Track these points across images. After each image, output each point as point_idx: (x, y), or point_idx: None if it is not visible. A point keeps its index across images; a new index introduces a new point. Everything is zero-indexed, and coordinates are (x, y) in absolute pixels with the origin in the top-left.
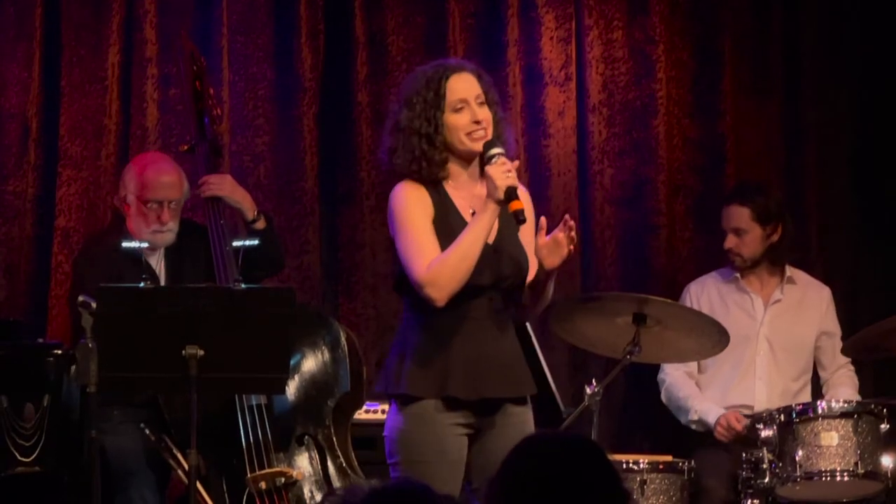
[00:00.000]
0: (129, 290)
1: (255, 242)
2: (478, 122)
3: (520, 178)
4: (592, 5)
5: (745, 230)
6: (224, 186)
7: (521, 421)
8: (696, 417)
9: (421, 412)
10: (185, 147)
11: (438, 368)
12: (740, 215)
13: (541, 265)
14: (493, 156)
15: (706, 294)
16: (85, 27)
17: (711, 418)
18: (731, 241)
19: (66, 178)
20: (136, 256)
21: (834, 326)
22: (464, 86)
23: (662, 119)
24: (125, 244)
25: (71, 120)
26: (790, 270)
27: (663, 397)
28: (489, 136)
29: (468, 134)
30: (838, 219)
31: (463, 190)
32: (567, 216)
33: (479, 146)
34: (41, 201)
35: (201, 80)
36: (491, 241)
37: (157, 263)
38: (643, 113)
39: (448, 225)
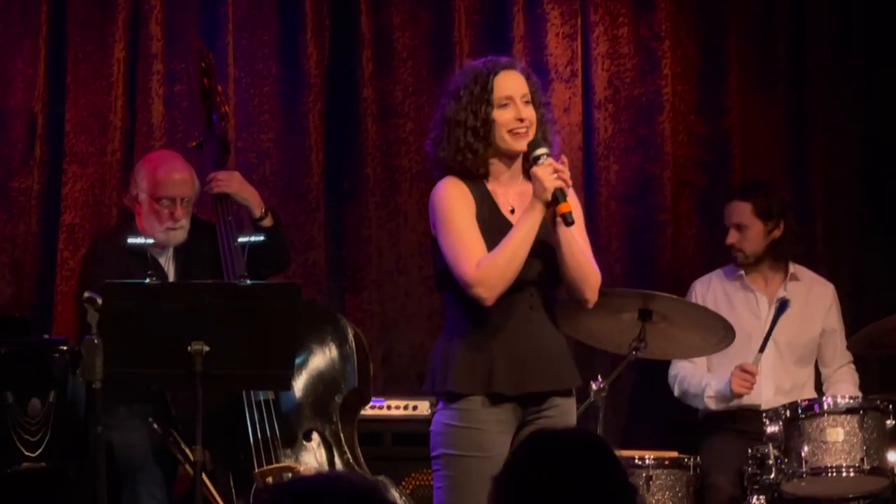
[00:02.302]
0: (134, 286)
1: (261, 238)
2: (521, 120)
3: None
4: (598, 2)
5: (746, 225)
6: (232, 183)
7: (564, 412)
8: (712, 393)
9: (467, 408)
10: (194, 144)
11: (483, 365)
12: (741, 210)
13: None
14: (539, 156)
15: (712, 292)
16: (90, 23)
17: (725, 384)
18: (732, 237)
19: (71, 174)
20: (142, 252)
21: (837, 323)
22: (511, 83)
23: (668, 115)
24: (131, 240)
25: (76, 116)
26: (794, 267)
27: (676, 392)
28: (531, 136)
29: (510, 131)
30: (844, 214)
31: (504, 187)
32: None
33: (519, 145)
34: (47, 198)
35: (209, 76)
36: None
37: (167, 263)
38: (649, 109)
39: (488, 222)
